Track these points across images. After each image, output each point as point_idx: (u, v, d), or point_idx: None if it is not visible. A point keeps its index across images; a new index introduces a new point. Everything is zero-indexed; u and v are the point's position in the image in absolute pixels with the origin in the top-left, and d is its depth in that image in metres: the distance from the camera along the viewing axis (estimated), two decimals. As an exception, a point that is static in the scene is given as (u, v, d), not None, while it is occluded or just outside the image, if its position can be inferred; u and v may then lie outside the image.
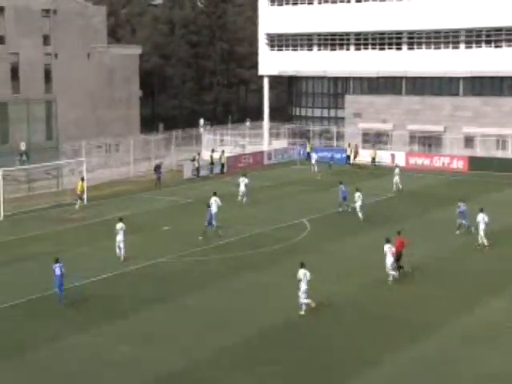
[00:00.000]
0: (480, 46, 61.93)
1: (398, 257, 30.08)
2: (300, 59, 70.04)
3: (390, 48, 65.91)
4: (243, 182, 46.08)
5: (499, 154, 60.93)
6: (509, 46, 60.54)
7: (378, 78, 67.40)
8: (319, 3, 68.58)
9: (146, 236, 37.86)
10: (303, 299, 26.17)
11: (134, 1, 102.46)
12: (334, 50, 68.58)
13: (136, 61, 72.69)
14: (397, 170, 50.52)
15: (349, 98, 68.92)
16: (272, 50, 71.43)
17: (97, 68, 67.94)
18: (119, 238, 33.13)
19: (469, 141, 62.60)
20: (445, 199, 46.03)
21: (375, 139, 66.39)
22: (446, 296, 28.10)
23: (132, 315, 26.15)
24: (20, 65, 61.90)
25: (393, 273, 29.67)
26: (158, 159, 58.34)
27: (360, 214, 40.13)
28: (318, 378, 21.24)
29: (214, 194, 39.95)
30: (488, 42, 61.50)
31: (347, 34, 67.54)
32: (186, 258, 33.48)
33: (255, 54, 75.82)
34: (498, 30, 60.61)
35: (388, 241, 29.68)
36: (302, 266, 26.35)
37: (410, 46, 65.12)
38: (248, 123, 76.38)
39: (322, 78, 70.79)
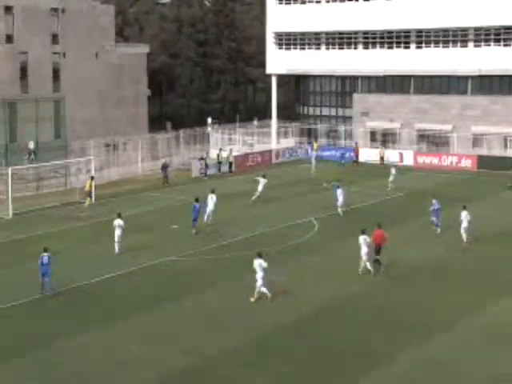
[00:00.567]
0: (489, 45, 61.74)
1: (376, 250, 30.31)
2: (308, 58, 69.98)
3: (398, 47, 65.77)
4: (262, 182, 45.39)
5: (508, 152, 60.75)
6: (517, 44, 60.38)
7: (385, 77, 67.29)
8: (327, 2, 68.50)
9: (154, 235, 37.91)
10: (260, 287, 26.88)
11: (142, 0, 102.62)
12: (342, 48, 68.49)
13: (144, 60, 72.77)
14: (393, 170, 50.32)
15: (356, 97, 68.81)
16: (280, 48, 71.39)
17: (105, 67, 68.04)
18: (117, 233, 33.72)
19: (477, 140, 62.43)
20: (453, 198, 45.90)
21: (382, 138, 66.26)
22: (456, 295, 28.02)
23: (143, 313, 26.16)
24: (28, 64, 62.05)
25: (367, 264, 30.00)
26: (166, 158, 58.37)
27: (340, 210, 41.20)
28: (331, 376, 21.20)
29: (212, 191, 40.08)
30: (497, 41, 61.29)
31: (355, 32, 67.44)
32: (194, 257, 33.50)
33: (263, 52, 75.79)
34: (507, 28, 60.38)
35: (363, 232, 30.16)
36: (259, 255, 27.27)
37: (419, 44, 64.97)
38: (256, 122, 76.35)
39: (329, 76, 70.69)
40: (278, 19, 70.71)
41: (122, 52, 70.35)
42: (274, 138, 70.57)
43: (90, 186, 45.49)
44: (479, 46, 62.26)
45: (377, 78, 67.79)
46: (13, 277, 30.71)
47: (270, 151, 65.05)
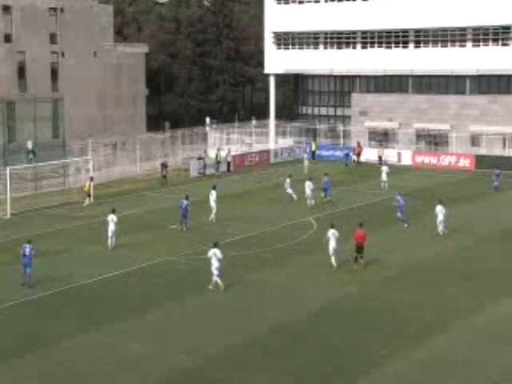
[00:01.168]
0: (487, 44, 61.81)
1: (358, 248, 30.90)
2: (306, 57, 70.00)
3: (396, 46, 65.83)
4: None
5: (506, 152, 60.81)
6: (516, 44, 60.44)
7: (384, 77, 67.33)
8: (325, 1, 68.54)
9: (153, 234, 37.90)
10: (215, 276, 28.04)
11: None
12: (341, 48, 68.52)
13: (142, 59, 72.75)
14: (385, 168, 50.29)
15: (355, 97, 68.84)
16: (278, 48, 71.40)
17: (103, 66, 68.01)
18: (111, 228, 34.19)
19: (476, 139, 62.48)
20: (451, 198, 45.92)
21: (381, 137, 66.29)
22: (456, 295, 28.04)
23: (143, 313, 26.17)
24: (27, 63, 62.02)
25: (332, 257, 30.78)
26: (164, 158, 58.35)
27: (308, 201, 43.31)
28: (330, 376, 21.21)
29: (214, 187, 40.92)
30: (495, 40, 61.38)
31: (354, 32, 67.47)
32: (193, 257, 33.49)
33: (261, 52, 75.81)
34: (506, 28, 60.47)
35: (332, 226, 31.15)
36: (215, 245, 28.34)
37: (417, 44, 65.03)
38: (254, 122, 76.37)
39: (328, 76, 70.72)
40: (276, 19, 70.72)
41: (121, 51, 70.33)
42: (272, 137, 70.58)
43: (89, 186, 45.52)
44: (477, 45, 62.32)
45: (375, 77, 67.83)
46: (11, 276, 30.67)
47: (268, 151, 65.06)
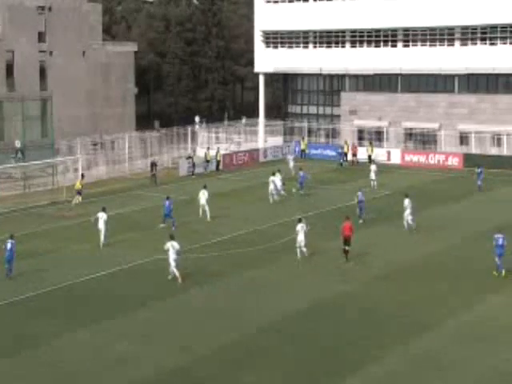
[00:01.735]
0: (475, 44, 61.98)
1: (345, 240, 31.86)
2: (295, 56, 70.00)
3: (385, 45, 65.90)
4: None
5: (494, 151, 61.06)
6: (504, 43, 60.56)
7: (373, 76, 67.42)
8: (314, 0, 68.55)
9: (141, 233, 37.85)
10: (173, 267, 29.08)
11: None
12: (330, 47, 68.56)
13: (131, 58, 72.65)
14: (373, 167, 50.36)
15: (344, 96, 68.93)
16: (268, 47, 71.36)
17: (92, 65, 67.86)
18: (100, 226, 34.62)
19: (464, 138, 62.68)
20: (440, 197, 46.12)
21: (370, 136, 66.37)
22: (444, 293, 28.13)
23: (131, 313, 26.15)
24: (15, 62, 61.85)
25: (304, 250, 31.92)
26: (154, 157, 58.30)
27: (271, 197, 44.70)
28: (318, 375, 21.26)
29: (204, 186, 41.16)
30: (483, 40, 61.52)
31: (343, 31, 67.51)
32: (183, 255, 33.44)
33: (251, 51, 75.75)
34: (493, 27, 60.62)
35: (300, 220, 32.77)
36: (171, 238, 29.51)
37: (406, 43, 65.11)
38: (244, 120, 76.36)
39: (317, 75, 70.73)
40: (265, 18, 70.69)
41: (110, 50, 70.19)
42: (261, 136, 70.57)
43: (80, 184, 45.43)
44: (466, 44, 62.46)
45: (364, 76, 67.92)
46: (-1, 276, 30.62)
47: (257, 150, 65.06)
